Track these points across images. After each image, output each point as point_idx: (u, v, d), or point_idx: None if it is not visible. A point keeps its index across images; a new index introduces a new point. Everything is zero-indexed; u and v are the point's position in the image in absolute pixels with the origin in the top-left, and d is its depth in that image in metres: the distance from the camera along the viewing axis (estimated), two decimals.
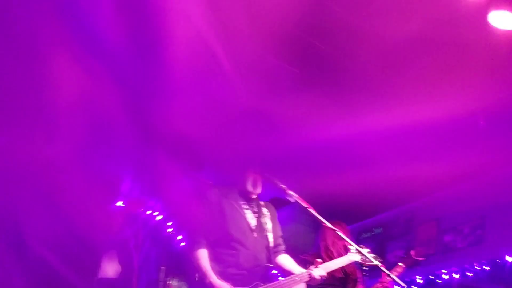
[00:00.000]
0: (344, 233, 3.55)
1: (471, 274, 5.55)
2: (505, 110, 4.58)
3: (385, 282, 3.39)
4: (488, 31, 3.73)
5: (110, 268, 5.54)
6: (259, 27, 3.51)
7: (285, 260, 2.98)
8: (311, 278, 2.78)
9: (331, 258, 3.45)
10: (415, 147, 5.36)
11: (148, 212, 7.04)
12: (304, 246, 3.97)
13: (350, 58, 4.29)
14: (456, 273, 5.67)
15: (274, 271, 3.05)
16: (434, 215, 6.21)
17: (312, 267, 2.85)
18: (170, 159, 6.03)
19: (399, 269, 3.48)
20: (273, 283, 2.70)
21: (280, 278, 2.87)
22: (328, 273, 3.44)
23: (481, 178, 5.80)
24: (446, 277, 5.72)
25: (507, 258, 5.21)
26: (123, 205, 6.90)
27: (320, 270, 2.82)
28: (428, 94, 4.50)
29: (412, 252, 3.59)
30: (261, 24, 3.48)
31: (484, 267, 5.44)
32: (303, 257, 3.60)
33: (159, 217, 7.27)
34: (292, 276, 2.79)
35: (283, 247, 3.04)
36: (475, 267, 5.51)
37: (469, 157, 5.37)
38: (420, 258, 3.58)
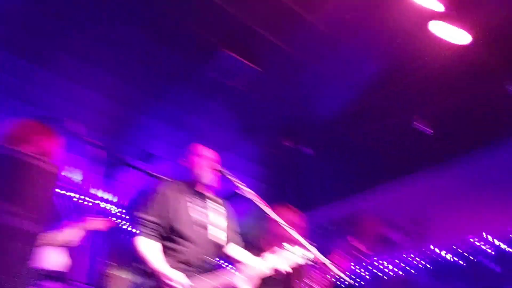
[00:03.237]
0: (299, 222, 3.60)
1: (411, 270, 5.82)
2: (448, 115, 4.87)
3: (327, 273, 3.46)
4: (429, 41, 3.94)
5: (55, 259, 5.35)
6: None
7: (236, 252, 2.94)
8: (250, 269, 2.72)
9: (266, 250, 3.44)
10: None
11: (99, 203, 6.90)
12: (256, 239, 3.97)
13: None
14: (398, 268, 5.94)
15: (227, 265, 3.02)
16: (377, 212, 6.45)
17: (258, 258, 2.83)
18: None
19: (342, 261, 3.57)
20: (214, 273, 2.66)
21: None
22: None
23: (425, 177, 6.11)
24: (388, 271, 5.98)
25: (445, 254, 5.51)
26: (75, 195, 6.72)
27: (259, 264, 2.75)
28: None
29: (357, 245, 3.69)
30: None
31: (424, 262, 5.73)
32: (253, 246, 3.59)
33: (108, 206, 7.15)
34: (235, 268, 2.79)
35: (237, 241, 2.99)
36: (416, 262, 5.78)
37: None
38: (366, 251, 3.68)
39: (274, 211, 2.84)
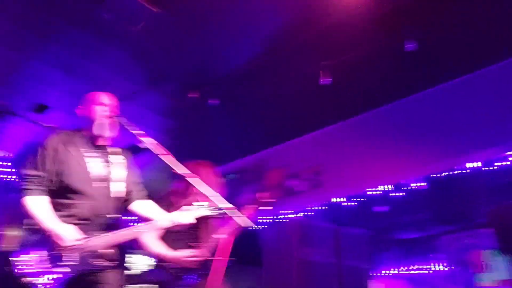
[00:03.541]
0: (209, 175, 3.59)
1: (309, 213, 6.30)
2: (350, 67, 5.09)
3: (235, 224, 3.55)
4: None
5: None
6: None
7: (141, 206, 2.82)
8: (153, 222, 2.68)
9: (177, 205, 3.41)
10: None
11: None
12: (162, 193, 3.91)
13: None
14: (297, 213, 6.36)
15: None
16: (281, 163, 6.76)
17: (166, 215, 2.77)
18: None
19: (250, 211, 3.67)
20: (112, 232, 2.54)
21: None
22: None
23: (320, 131, 6.47)
24: (290, 216, 6.40)
25: (338, 199, 6.02)
26: None
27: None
28: None
29: (262, 195, 3.82)
30: None
31: (320, 207, 6.21)
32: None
33: None
34: (139, 226, 2.68)
35: (139, 193, 2.85)
36: (313, 207, 6.25)
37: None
38: (270, 200, 3.82)
39: (184, 164, 2.78)
